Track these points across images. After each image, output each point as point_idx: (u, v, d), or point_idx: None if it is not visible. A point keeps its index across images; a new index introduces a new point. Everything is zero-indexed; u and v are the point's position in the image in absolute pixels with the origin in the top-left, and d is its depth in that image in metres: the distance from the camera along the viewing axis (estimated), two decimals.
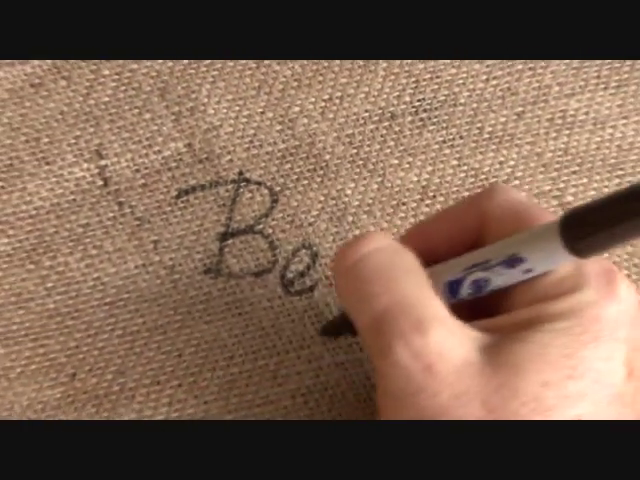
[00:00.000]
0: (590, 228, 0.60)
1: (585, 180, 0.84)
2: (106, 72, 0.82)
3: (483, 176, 0.84)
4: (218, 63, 0.83)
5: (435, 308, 0.64)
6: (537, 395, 0.61)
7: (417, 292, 0.65)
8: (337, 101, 0.84)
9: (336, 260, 0.69)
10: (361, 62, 0.85)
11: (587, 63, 0.87)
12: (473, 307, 0.69)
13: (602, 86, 0.86)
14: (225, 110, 0.82)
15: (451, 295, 0.68)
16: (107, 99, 0.82)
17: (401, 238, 0.71)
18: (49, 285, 0.76)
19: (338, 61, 0.84)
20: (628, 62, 0.87)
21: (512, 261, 0.65)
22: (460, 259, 0.68)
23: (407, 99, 0.84)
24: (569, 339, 0.62)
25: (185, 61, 0.84)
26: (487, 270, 0.66)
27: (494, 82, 0.86)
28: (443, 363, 0.62)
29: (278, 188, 0.81)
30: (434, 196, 0.82)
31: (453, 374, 0.62)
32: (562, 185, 0.84)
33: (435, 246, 0.70)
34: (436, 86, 0.86)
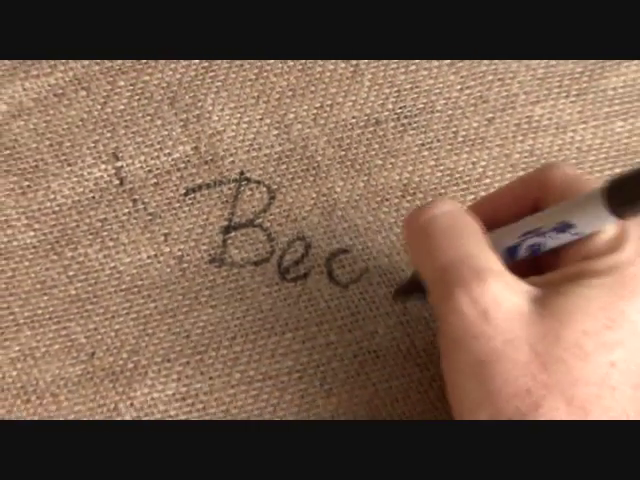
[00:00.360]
0: (630, 192, 0.61)
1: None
2: (121, 83, 0.83)
3: (458, 175, 0.84)
4: (221, 75, 0.84)
5: (493, 263, 0.66)
6: (577, 342, 0.63)
7: (478, 248, 0.67)
8: (327, 108, 0.84)
9: (408, 220, 0.71)
10: (349, 74, 0.86)
11: (550, 74, 0.87)
12: (527, 265, 0.71)
13: (564, 94, 0.87)
14: (228, 117, 0.83)
15: (510, 258, 0.70)
16: (122, 107, 0.82)
17: (468, 207, 0.72)
18: (70, 274, 0.76)
19: (329, 73, 0.85)
20: (587, 73, 0.88)
21: (563, 227, 0.66)
22: (517, 224, 0.70)
23: (390, 107, 0.85)
24: (608, 293, 0.64)
25: (192, 73, 0.84)
26: (541, 235, 0.68)
27: (467, 91, 0.86)
28: (497, 310, 0.64)
29: (275, 186, 0.81)
30: (414, 193, 0.83)
31: (506, 321, 0.64)
32: None
33: (499, 215, 0.71)
34: (415, 95, 0.86)
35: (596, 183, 0.66)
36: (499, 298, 0.65)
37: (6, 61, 0.82)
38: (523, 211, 0.71)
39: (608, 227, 0.66)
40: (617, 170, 0.85)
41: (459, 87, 0.87)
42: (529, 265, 0.71)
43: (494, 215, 0.72)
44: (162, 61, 0.84)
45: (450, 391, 0.69)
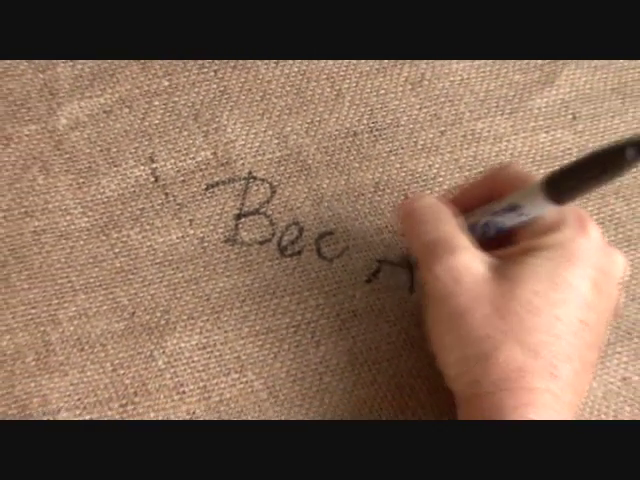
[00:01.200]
0: (562, 184, 0.67)
1: None
2: (156, 103, 0.83)
3: (417, 175, 0.84)
4: (234, 97, 0.85)
5: (462, 240, 0.71)
6: (529, 299, 0.67)
7: (450, 230, 0.71)
8: (317, 123, 0.84)
9: (399, 208, 0.76)
10: (333, 96, 0.86)
11: (489, 96, 0.89)
12: (491, 244, 0.73)
13: (500, 112, 0.87)
14: (239, 129, 0.83)
15: (476, 235, 0.73)
16: (157, 122, 0.82)
17: (442, 197, 0.77)
18: (116, 250, 0.76)
19: (317, 95, 0.86)
20: (517, 95, 0.89)
21: (511, 208, 0.71)
22: (480, 209, 0.75)
23: (365, 122, 0.85)
24: (553, 263, 0.68)
25: (212, 95, 0.85)
26: (496, 215, 0.73)
27: (425, 110, 0.87)
28: (466, 275, 0.69)
29: (276, 183, 0.82)
30: (384, 189, 0.83)
31: (472, 283, 0.69)
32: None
33: (469, 204, 0.76)
34: (385, 112, 0.86)
35: (538, 178, 0.69)
36: (467, 266, 0.69)
37: (66, 85, 0.83)
38: (485, 201, 0.75)
39: (550, 212, 0.70)
40: (541, 171, 0.86)
41: (418, 107, 0.87)
42: (496, 244, 0.73)
43: (465, 203, 0.76)
44: (188, 84, 0.85)
45: (432, 339, 0.72)
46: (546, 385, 0.65)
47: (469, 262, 0.69)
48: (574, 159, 0.66)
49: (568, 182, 0.67)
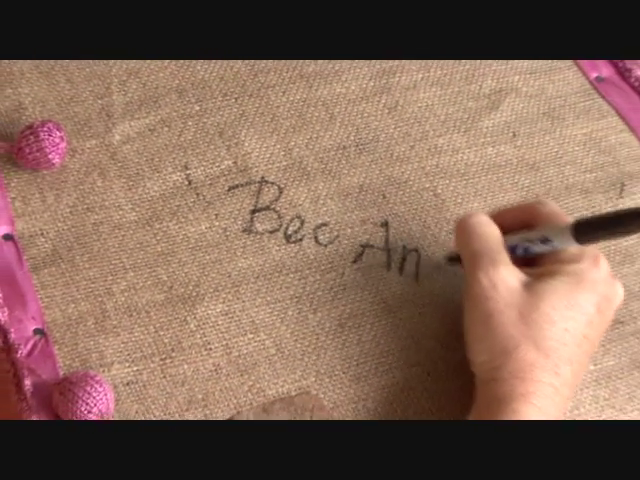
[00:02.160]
0: (586, 231, 0.69)
1: (457, 180, 0.86)
2: (190, 123, 0.82)
3: (392, 180, 0.83)
4: (250, 118, 0.84)
5: (503, 256, 0.71)
6: (548, 313, 0.68)
7: (495, 246, 0.71)
8: (314, 139, 0.83)
9: (458, 223, 0.74)
10: (327, 118, 0.86)
11: (449, 118, 0.88)
12: (525, 262, 0.73)
13: (456, 131, 0.86)
14: (254, 144, 0.82)
15: (513, 255, 0.72)
16: (190, 138, 0.81)
17: (492, 216, 0.74)
18: (158, 238, 0.75)
19: (315, 117, 0.86)
20: (471, 117, 0.89)
21: (544, 240, 0.71)
22: (519, 234, 0.74)
23: (352, 138, 0.84)
24: (570, 287, 0.69)
25: (233, 117, 0.84)
26: (531, 242, 0.73)
27: (398, 129, 0.86)
28: (502, 284, 0.69)
29: (282, 185, 0.81)
30: (366, 191, 0.82)
31: (506, 292, 0.69)
32: (435, 183, 0.84)
33: (507, 223, 0.75)
34: (367, 131, 0.85)
35: (568, 218, 0.73)
36: (504, 278, 0.70)
37: (119, 109, 0.82)
38: (521, 224, 0.75)
39: (571, 246, 0.70)
40: (489, 176, 0.86)
41: (393, 126, 0.86)
42: (526, 263, 0.73)
43: (505, 222, 0.75)
44: (215, 108, 0.84)
45: (467, 334, 0.72)
46: (550, 380, 0.67)
47: (506, 275, 0.70)
48: (602, 213, 0.73)
49: (594, 231, 0.69)
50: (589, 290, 0.70)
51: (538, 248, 0.72)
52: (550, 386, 0.67)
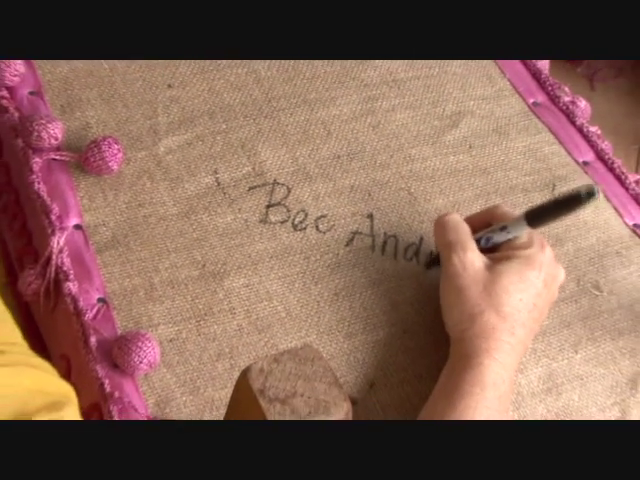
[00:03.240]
0: (537, 214, 0.71)
1: (426, 182, 0.85)
2: (218, 138, 0.81)
3: (376, 182, 0.83)
4: (265, 133, 0.84)
5: (471, 244, 0.72)
6: (505, 286, 0.69)
7: (465, 237, 0.72)
8: (315, 150, 0.81)
9: (437, 219, 0.75)
10: (325, 134, 0.85)
11: (420, 133, 0.88)
12: (484, 251, 0.72)
13: (426, 143, 0.86)
14: (268, 153, 0.81)
15: (478, 244, 0.72)
16: (219, 149, 0.79)
17: (465, 218, 0.76)
18: (194, 227, 0.75)
19: (316, 133, 0.85)
20: (437, 133, 0.88)
21: (503, 228, 0.73)
22: (483, 231, 0.74)
23: (344, 150, 0.83)
24: (522, 267, 0.70)
25: (251, 134, 0.83)
26: (492, 233, 0.73)
27: (381, 142, 0.85)
28: (470, 266, 0.70)
29: (290, 186, 0.80)
30: (355, 190, 0.81)
31: (473, 271, 0.70)
32: (409, 184, 0.84)
33: (474, 223, 0.75)
34: (356, 144, 0.85)
35: (517, 212, 0.74)
36: (471, 260, 0.71)
37: (164, 127, 0.82)
38: (484, 225, 0.75)
39: (524, 234, 0.72)
40: (451, 179, 0.85)
41: (377, 140, 0.85)
42: (488, 251, 0.73)
43: (473, 223, 0.74)
44: (238, 126, 0.84)
45: (443, 303, 0.72)
46: (507, 339, 0.67)
47: (473, 258, 0.71)
48: (545, 201, 0.72)
49: (542, 215, 0.71)
50: (537, 269, 0.70)
51: (498, 237, 0.73)
52: (508, 344, 0.67)
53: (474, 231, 0.73)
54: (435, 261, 0.76)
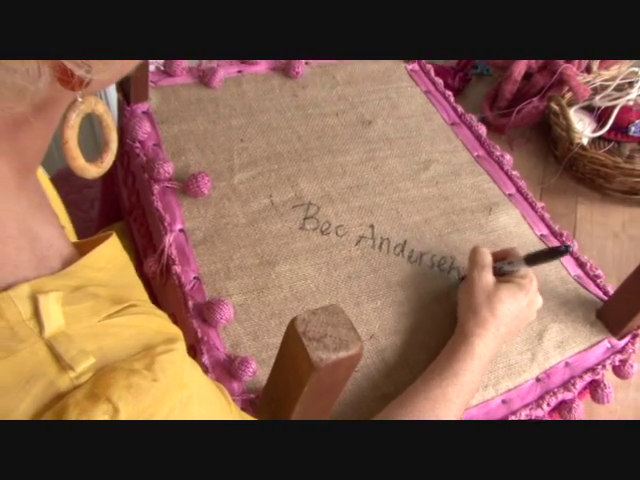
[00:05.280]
0: (531, 259, 0.70)
1: (408, 205, 0.83)
2: (273, 174, 0.80)
3: (376, 204, 0.81)
4: (304, 171, 0.82)
5: (489, 268, 0.70)
6: (501, 298, 0.67)
7: (487, 262, 0.71)
8: (335, 184, 0.80)
9: (473, 248, 0.73)
10: (341, 173, 0.83)
11: (405, 173, 0.86)
12: (499, 276, 0.71)
13: (408, 179, 0.85)
14: (305, 184, 0.79)
15: (494, 270, 0.71)
16: (273, 182, 0.78)
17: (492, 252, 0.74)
18: (256, 232, 0.75)
19: (333, 171, 0.83)
20: (418, 173, 0.87)
21: (510, 262, 0.71)
22: (498, 262, 0.72)
23: (355, 183, 0.81)
24: (516, 289, 0.68)
25: (295, 171, 0.82)
26: (503, 264, 0.71)
27: (379, 179, 0.84)
28: (483, 281, 0.69)
29: (320, 206, 0.78)
30: (363, 209, 0.80)
31: (484, 284, 0.69)
32: (397, 206, 0.82)
33: (496, 255, 0.73)
34: (362, 180, 0.83)
35: (521, 253, 0.72)
36: (486, 278, 0.69)
37: (237, 166, 0.80)
38: (502, 258, 0.73)
39: (523, 269, 0.70)
40: (424, 202, 0.83)
41: (376, 177, 0.83)
42: (500, 276, 0.71)
43: (494, 256, 0.72)
44: (285, 166, 0.82)
45: (459, 300, 0.71)
46: (493, 331, 0.66)
47: (486, 276, 0.69)
48: (538, 251, 0.71)
49: (535, 259, 0.70)
50: (524, 293, 0.68)
51: (506, 268, 0.71)
52: (493, 334, 0.66)
53: (495, 261, 0.72)
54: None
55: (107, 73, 0.33)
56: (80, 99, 0.35)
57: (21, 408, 0.30)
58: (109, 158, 0.40)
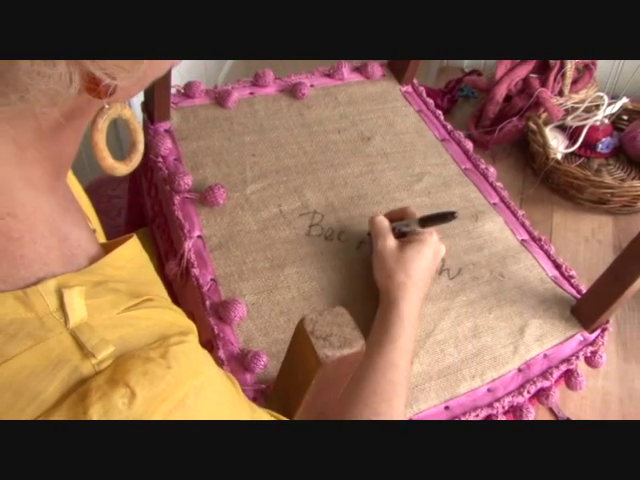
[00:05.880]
0: (424, 220, 0.70)
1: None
2: (282, 185, 0.79)
3: (373, 212, 0.78)
4: (309, 183, 0.81)
5: (389, 233, 0.69)
6: (410, 257, 0.66)
7: (385, 228, 0.69)
8: (338, 195, 0.79)
9: (370, 219, 0.72)
10: (343, 184, 0.82)
11: (400, 185, 0.84)
12: (399, 237, 0.70)
13: (403, 190, 0.83)
14: (310, 195, 0.77)
15: (394, 231, 0.70)
16: (281, 192, 0.76)
17: (385, 214, 0.73)
18: (266, 237, 0.73)
19: (338, 184, 0.81)
20: (411, 184, 0.85)
21: (407, 224, 0.70)
22: (397, 222, 0.71)
23: (355, 194, 0.80)
24: (420, 246, 0.67)
25: (301, 182, 0.80)
26: (401, 225, 0.71)
27: (376, 190, 0.82)
28: (388, 246, 0.67)
29: (323, 214, 0.77)
30: (362, 218, 0.78)
31: (390, 249, 0.67)
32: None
33: (393, 218, 0.72)
34: (362, 190, 0.82)
35: (415, 213, 0.71)
36: (389, 243, 0.67)
37: (249, 178, 0.79)
38: (398, 218, 0.72)
39: (418, 229, 0.70)
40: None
41: (374, 188, 0.82)
42: (399, 237, 0.69)
43: (390, 217, 0.71)
44: (293, 179, 0.80)
45: (374, 271, 0.69)
46: (412, 289, 0.65)
47: (390, 241, 0.68)
48: (431, 213, 0.70)
49: (427, 221, 0.69)
50: (428, 247, 0.67)
51: (405, 228, 0.70)
52: (413, 293, 0.65)
53: (392, 221, 0.71)
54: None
55: (130, 80, 0.32)
56: (107, 105, 0.35)
57: (49, 390, 0.30)
58: (137, 157, 0.40)
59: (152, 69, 0.36)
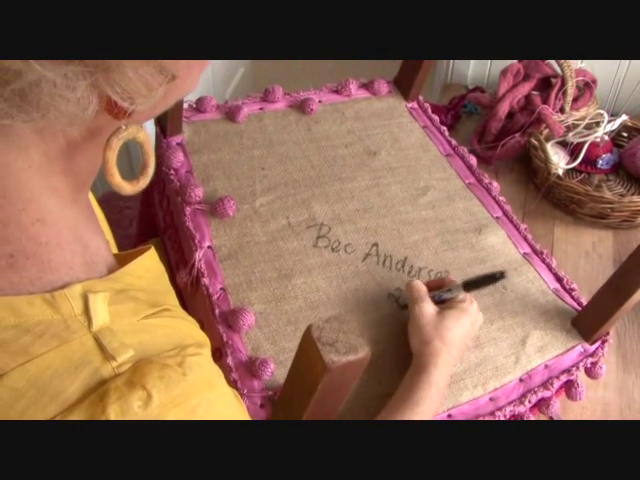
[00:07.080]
0: (468, 285, 0.67)
1: (408, 225, 0.82)
2: (290, 198, 0.79)
3: (379, 224, 0.80)
4: (317, 197, 0.81)
5: (427, 299, 0.67)
6: (447, 325, 0.64)
7: (423, 295, 0.67)
8: (345, 207, 0.79)
9: (407, 283, 0.70)
10: (349, 197, 0.82)
11: (405, 199, 0.85)
12: (439, 304, 0.68)
13: (408, 204, 0.84)
14: (318, 208, 0.78)
15: (432, 299, 0.67)
16: (290, 205, 0.77)
17: (424, 282, 0.70)
18: (275, 248, 0.74)
19: (345, 197, 0.82)
20: (416, 198, 0.86)
21: (449, 290, 0.68)
22: (436, 291, 0.69)
23: (362, 207, 0.81)
24: (459, 314, 0.65)
25: (309, 195, 0.81)
26: (441, 292, 0.68)
27: (382, 203, 0.83)
28: (426, 312, 0.65)
29: (331, 225, 0.77)
30: (368, 230, 0.79)
31: (427, 315, 0.65)
32: (399, 227, 0.81)
33: (431, 285, 0.70)
34: (368, 204, 0.83)
35: (455, 280, 0.71)
36: (427, 309, 0.65)
37: (258, 191, 0.80)
38: (437, 287, 0.70)
39: (462, 294, 0.67)
40: (422, 224, 0.80)
41: (380, 201, 0.83)
42: (440, 304, 0.68)
43: (428, 286, 0.69)
44: (301, 192, 0.81)
45: (410, 336, 0.66)
46: (446, 357, 0.63)
47: (428, 308, 0.66)
48: (473, 277, 0.68)
49: (472, 284, 0.67)
50: (467, 316, 0.65)
51: (445, 295, 0.68)
52: (446, 360, 0.63)
53: (430, 290, 0.69)
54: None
55: (147, 105, 0.34)
56: (124, 127, 0.36)
57: (70, 389, 0.31)
58: (144, 181, 0.41)
59: (170, 94, 0.37)
